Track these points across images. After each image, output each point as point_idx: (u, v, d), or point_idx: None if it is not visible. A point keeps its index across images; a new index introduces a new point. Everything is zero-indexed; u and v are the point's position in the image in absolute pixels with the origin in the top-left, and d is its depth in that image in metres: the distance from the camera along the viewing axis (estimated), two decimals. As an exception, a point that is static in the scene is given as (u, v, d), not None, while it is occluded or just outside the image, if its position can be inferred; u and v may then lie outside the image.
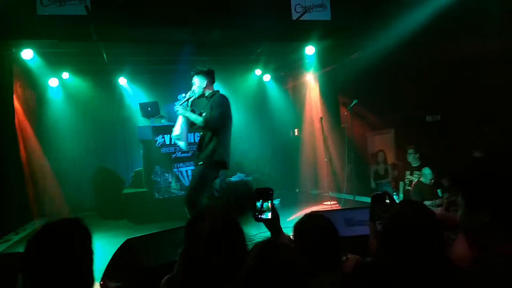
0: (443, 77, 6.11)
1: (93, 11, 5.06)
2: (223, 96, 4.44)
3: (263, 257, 1.25)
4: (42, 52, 6.89)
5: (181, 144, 4.60)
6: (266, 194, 2.01)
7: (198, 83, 4.52)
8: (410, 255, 1.52)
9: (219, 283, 1.45)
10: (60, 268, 1.39)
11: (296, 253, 1.32)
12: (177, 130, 4.47)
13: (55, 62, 7.56)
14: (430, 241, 1.54)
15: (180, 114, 4.44)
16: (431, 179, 5.77)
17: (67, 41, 6.39)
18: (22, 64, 7.00)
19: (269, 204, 1.99)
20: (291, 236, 1.97)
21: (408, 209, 1.68)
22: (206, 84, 4.51)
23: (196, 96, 4.53)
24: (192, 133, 7.62)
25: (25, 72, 7.41)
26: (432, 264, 1.49)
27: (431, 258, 1.50)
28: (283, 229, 2.06)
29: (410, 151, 6.38)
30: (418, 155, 6.34)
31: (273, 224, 2.00)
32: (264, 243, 1.34)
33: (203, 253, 1.51)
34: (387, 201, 2.26)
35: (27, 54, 6.63)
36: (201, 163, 4.26)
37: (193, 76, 4.56)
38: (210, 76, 4.55)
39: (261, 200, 2.00)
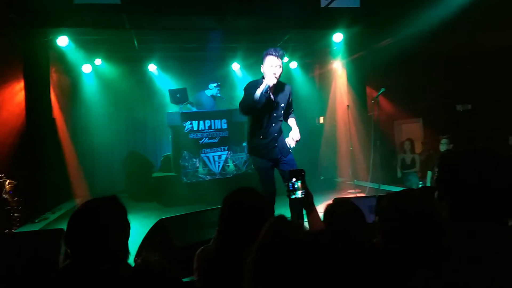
0: (474, 65, 5.99)
1: (126, 0, 5.22)
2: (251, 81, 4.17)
3: (273, 231, 1.31)
4: (76, 39, 7.13)
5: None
6: (298, 174, 2.11)
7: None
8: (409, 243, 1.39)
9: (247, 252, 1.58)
10: (100, 242, 1.52)
11: (304, 231, 1.34)
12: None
13: (88, 48, 7.81)
14: (428, 229, 1.38)
15: None
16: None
17: (101, 29, 6.60)
18: (57, 50, 7.28)
19: (300, 183, 2.09)
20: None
21: (402, 197, 1.56)
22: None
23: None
24: (220, 120, 7.80)
25: (60, 58, 7.70)
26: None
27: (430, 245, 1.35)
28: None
29: (444, 140, 6.28)
30: (452, 145, 6.24)
31: (306, 203, 2.11)
32: (275, 218, 1.41)
33: (234, 226, 1.69)
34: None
35: (62, 41, 6.88)
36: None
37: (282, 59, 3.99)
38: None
39: (293, 180, 2.10)
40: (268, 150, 4.03)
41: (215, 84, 8.04)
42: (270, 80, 3.86)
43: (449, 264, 1.24)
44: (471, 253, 1.21)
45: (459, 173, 1.29)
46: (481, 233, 1.23)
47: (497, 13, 5.26)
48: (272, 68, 3.89)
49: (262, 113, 3.98)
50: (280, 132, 4.13)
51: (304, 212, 2.17)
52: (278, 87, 4.07)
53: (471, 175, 1.27)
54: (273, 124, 4.05)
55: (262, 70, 4.01)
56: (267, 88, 3.83)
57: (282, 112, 4.13)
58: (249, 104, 3.88)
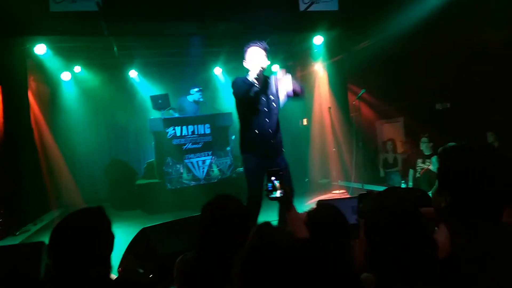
0: (452, 65, 6.11)
1: (104, 7, 5.17)
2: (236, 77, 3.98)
3: (259, 236, 1.31)
4: (54, 47, 7.01)
5: None
6: (276, 174, 2.15)
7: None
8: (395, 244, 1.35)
9: (227, 259, 1.58)
10: (83, 255, 1.50)
11: (288, 235, 1.34)
12: None
13: (67, 56, 7.69)
14: (413, 229, 1.35)
15: None
16: (439, 167, 5.80)
17: (79, 36, 6.51)
18: (35, 59, 7.15)
19: (278, 183, 2.12)
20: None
21: (388, 196, 1.56)
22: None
23: None
24: (203, 125, 7.77)
25: (39, 67, 7.56)
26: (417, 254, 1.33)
27: (416, 248, 1.32)
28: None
29: (424, 139, 6.38)
30: (431, 144, 6.34)
31: (284, 202, 2.14)
32: (261, 224, 1.42)
33: (214, 233, 1.70)
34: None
35: (40, 49, 6.75)
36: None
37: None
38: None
39: (271, 179, 2.14)
40: (261, 144, 3.79)
41: (197, 89, 8.01)
42: (262, 62, 3.67)
43: (446, 264, 1.25)
44: (469, 253, 1.22)
45: (459, 165, 1.33)
46: (478, 233, 1.25)
47: (475, 12, 5.39)
48: (257, 58, 3.68)
49: (252, 108, 3.78)
50: (277, 129, 3.90)
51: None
52: (264, 81, 3.86)
53: (470, 169, 1.31)
54: (267, 120, 3.82)
55: (245, 64, 3.79)
56: (261, 70, 3.65)
57: (274, 105, 3.88)
58: (242, 91, 3.66)
